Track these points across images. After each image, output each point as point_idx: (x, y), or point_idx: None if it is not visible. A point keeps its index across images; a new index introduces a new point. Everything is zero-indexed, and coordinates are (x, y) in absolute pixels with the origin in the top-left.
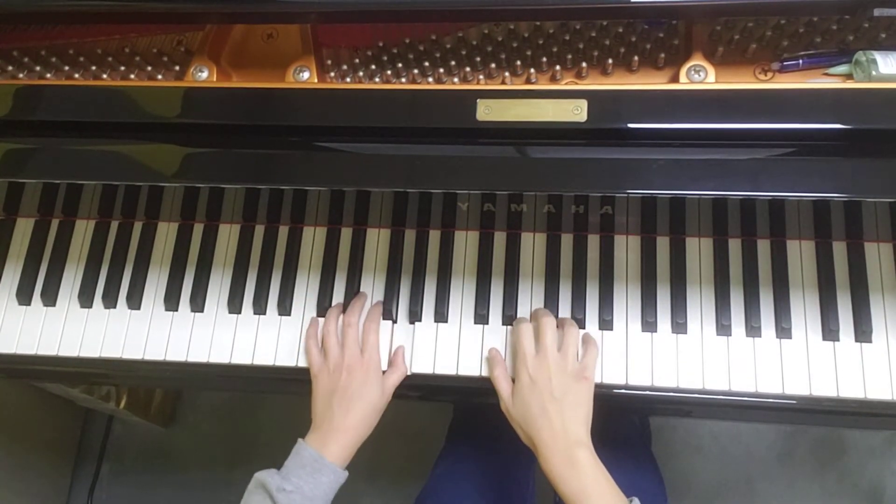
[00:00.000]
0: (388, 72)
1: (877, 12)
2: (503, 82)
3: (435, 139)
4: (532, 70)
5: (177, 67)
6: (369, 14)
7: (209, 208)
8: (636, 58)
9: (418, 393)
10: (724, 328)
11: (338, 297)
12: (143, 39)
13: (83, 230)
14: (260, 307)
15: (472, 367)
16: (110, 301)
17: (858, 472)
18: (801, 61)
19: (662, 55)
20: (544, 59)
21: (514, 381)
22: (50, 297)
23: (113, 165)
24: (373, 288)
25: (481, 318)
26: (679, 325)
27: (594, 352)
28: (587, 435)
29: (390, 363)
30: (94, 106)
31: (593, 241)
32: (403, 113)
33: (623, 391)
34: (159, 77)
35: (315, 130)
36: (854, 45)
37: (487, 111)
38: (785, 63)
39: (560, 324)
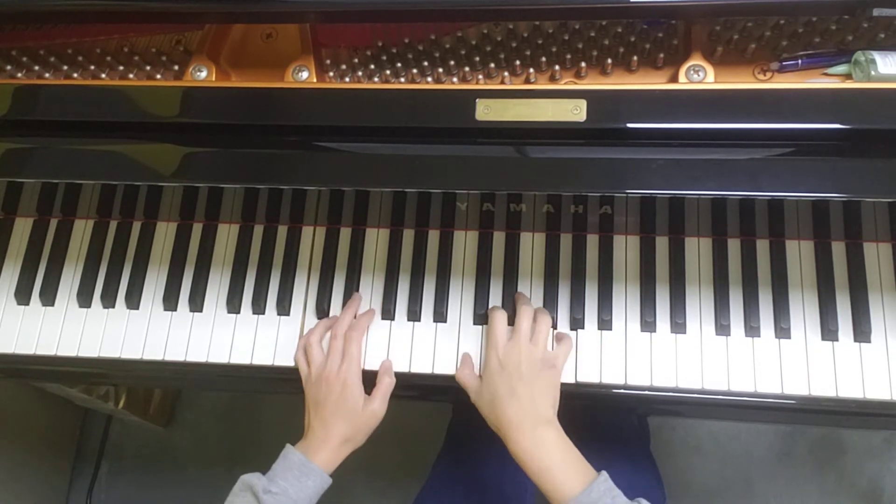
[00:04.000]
0: (388, 71)
1: (876, 12)
2: (502, 82)
3: (434, 139)
4: (531, 70)
5: (176, 67)
6: (368, 14)
7: (208, 208)
8: (635, 58)
9: (417, 393)
10: (723, 328)
11: (337, 296)
12: (142, 39)
13: (82, 230)
14: (259, 307)
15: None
16: (109, 301)
17: (857, 472)
18: (800, 61)
19: (661, 55)
20: (543, 59)
21: (482, 370)
22: (48, 297)
23: (112, 165)
24: (372, 288)
25: (480, 318)
26: (678, 325)
27: (568, 345)
28: (555, 416)
29: (376, 381)
30: (93, 105)
31: (592, 241)
32: (402, 113)
33: (622, 391)
34: (158, 77)
35: (314, 130)
36: (853, 45)
37: (487, 111)
38: (784, 63)
39: (534, 314)
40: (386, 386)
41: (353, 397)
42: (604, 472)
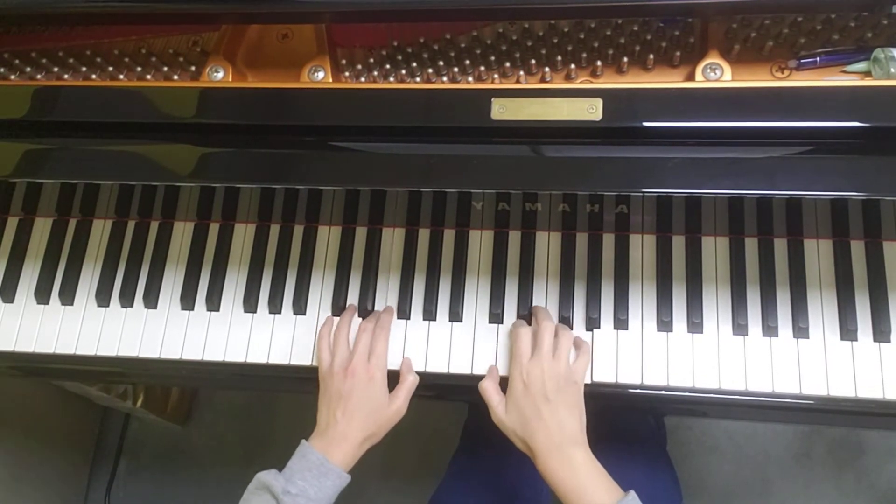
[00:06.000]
0: (403, 71)
1: (895, 9)
2: (518, 81)
3: (450, 138)
4: (547, 69)
5: (193, 68)
6: (384, 14)
7: (225, 208)
8: (651, 56)
9: (433, 392)
10: (740, 328)
11: (352, 295)
12: (160, 40)
13: (100, 230)
14: (275, 306)
15: (486, 366)
16: (127, 300)
17: (876, 472)
18: (818, 59)
19: (678, 53)
20: (559, 58)
21: (507, 390)
22: (68, 297)
23: (130, 165)
24: (387, 287)
25: (496, 317)
26: (695, 325)
27: (585, 358)
28: (583, 434)
29: (399, 378)
30: (111, 106)
31: (608, 241)
32: (418, 112)
33: (639, 391)
34: (175, 77)
35: (330, 130)
36: (872, 43)
37: (502, 110)
38: (802, 61)
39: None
40: (410, 384)
41: (379, 394)
42: (632, 492)
